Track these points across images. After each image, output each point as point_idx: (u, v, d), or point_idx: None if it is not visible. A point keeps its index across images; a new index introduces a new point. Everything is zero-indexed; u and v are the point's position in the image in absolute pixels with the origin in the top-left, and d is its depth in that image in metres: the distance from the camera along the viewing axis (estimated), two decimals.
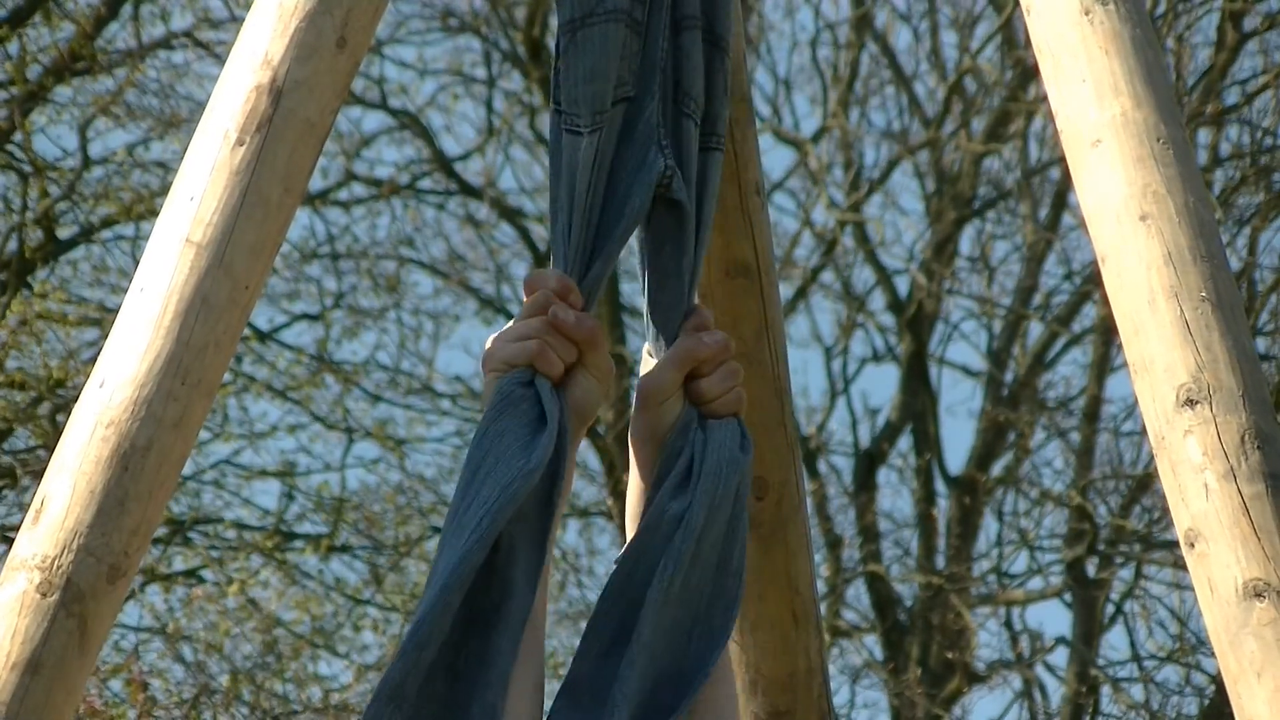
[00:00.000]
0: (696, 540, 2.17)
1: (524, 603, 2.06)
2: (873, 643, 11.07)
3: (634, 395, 2.34)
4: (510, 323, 2.23)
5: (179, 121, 9.48)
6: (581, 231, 2.27)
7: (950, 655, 10.43)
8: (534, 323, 2.20)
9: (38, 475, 8.47)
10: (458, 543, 2.03)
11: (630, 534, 2.27)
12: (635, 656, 2.11)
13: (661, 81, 2.36)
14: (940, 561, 10.93)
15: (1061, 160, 9.58)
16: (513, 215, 11.36)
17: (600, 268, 2.27)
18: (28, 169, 9.25)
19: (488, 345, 2.22)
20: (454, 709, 1.99)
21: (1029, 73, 10.47)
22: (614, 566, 2.21)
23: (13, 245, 9.23)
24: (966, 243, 11.61)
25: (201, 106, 2.49)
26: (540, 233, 11.33)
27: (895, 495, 11.77)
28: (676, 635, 2.16)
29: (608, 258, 2.28)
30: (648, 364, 2.35)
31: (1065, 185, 10.66)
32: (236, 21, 9.40)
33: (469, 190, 11.27)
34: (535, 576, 2.09)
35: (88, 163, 9.49)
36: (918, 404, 11.21)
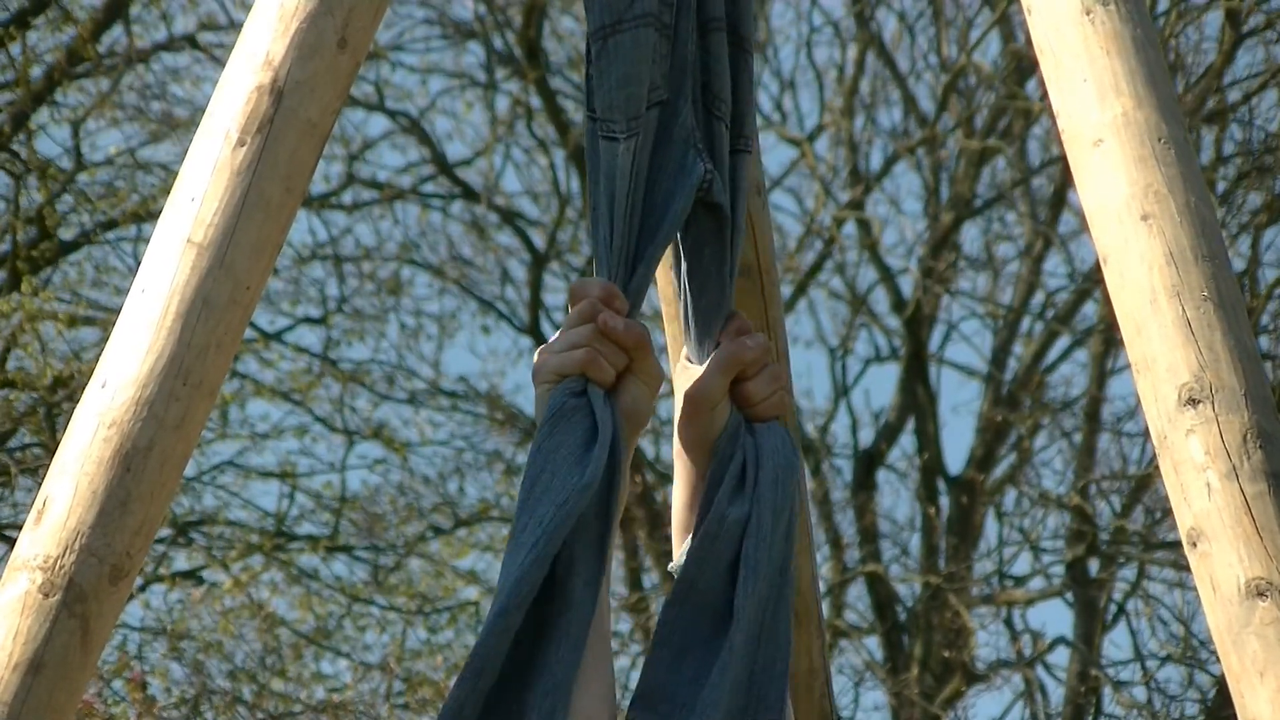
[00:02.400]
0: (768, 547, 2.17)
1: (584, 613, 2.05)
2: (873, 644, 11.06)
3: (678, 404, 2.32)
4: (557, 333, 2.21)
5: (179, 124, 9.48)
6: (624, 238, 2.24)
7: (947, 656, 10.42)
8: (583, 330, 2.18)
9: (33, 472, 8.48)
10: (513, 564, 2.01)
11: (678, 543, 2.26)
12: (728, 663, 2.10)
13: (692, 84, 2.34)
14: (941, 562, 10.92)
15: (1063, 160, 9.58)
16: (512, 218, 11.35)
17: (644, 273, 2.25)
18: (29, 170, 9.25)
19: (536, 358, 2.19)
20: (514, 718, 1.98)
21: (1026, 70, 10.46)
22: (675, 573, 2.20)
23: (9, 245, 9.22)
24: (966, 242, 11.61)
25: (201, 108, 2.49)
26: (539, 235, 11.33)
27: (895, 496, 11.76)
28: (753, 642, 2.16)
29: (650, 263, 2.26)
30: (685, 370, 2.33)
31: (1064, 183, 10.64)
32: (236, 26, 9.40)
33: (470, 194, 11.26)
34: (596, 586, 2.08)
35: (81, 163, 9.48)
36: (917, 404, 11.20)
